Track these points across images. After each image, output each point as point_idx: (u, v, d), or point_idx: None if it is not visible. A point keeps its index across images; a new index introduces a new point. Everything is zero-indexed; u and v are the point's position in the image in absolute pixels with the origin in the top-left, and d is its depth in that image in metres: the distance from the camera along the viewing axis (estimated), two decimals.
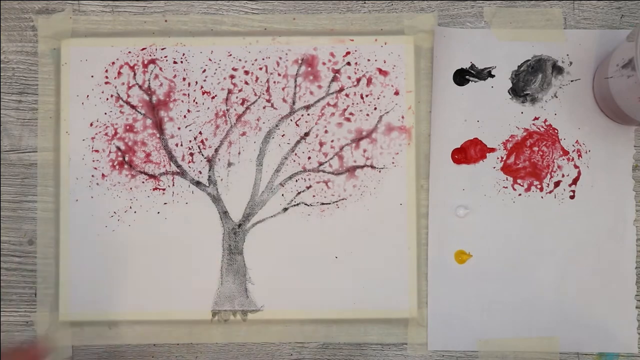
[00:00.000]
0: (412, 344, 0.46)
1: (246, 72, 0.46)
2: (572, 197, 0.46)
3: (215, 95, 0.46)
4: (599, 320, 0.45)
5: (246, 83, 0.46)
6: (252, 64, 0.47)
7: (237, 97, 0.46)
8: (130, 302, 0.45)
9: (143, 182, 0.46)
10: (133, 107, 0.46)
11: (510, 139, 0.46)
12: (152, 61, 0.46)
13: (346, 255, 0.46)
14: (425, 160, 0.46)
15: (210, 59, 0.47)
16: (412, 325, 0.46)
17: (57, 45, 0.47)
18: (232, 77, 0.47)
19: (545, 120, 0.46)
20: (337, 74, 0.46)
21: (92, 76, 0.46)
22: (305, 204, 0.46)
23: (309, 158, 0.46)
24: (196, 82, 0.46)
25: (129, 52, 0.46)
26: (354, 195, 0.46)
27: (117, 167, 0.46)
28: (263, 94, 0.46)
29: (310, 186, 0.46)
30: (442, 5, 0.47)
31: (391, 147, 0.46)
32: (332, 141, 0.46)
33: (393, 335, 0.46)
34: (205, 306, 0.46)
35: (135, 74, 0.46)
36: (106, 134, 0.46)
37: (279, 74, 0.46)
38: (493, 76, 0.47)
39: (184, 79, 0.46)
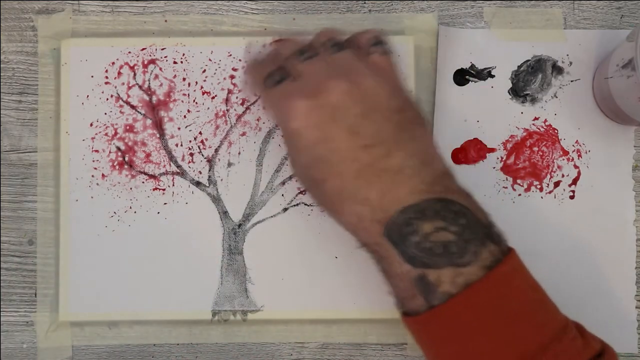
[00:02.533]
0: (412, 344, 0.46)
1: None
2: (572, 197, 0.46)
3: (215, 96, 0.46)
4: (599, 320, 0.45)
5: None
6: None
7: (237, 97, 0.46)
8: (130, 302, 0.45)
9: (143, 182, 0.46)
10: (133, 107, 0.46)
11: (510, 139, 0.46)
12: (152, 61, 0.46)
13: (346, 255, 0.46)
14: None
15: (210, 59, 0.47)
16: None
17: (57, 45, 0.47)
18: (232, 77, 0.47)
19: (545, 121, 0.46)
20: None
21: (92, 76, 0.46)
22: (305, 204, 0.46)
23: None
24: (196, 82, 0.46)
25: (129, 52, 0.46)
26: None
27: (117, 167, 0.46)
28: None
29: None
30: (442, 5, 0.47)
31: None
32: None
33: (393, 335, 0.46)
34: (205, 306, 0.46)
35: (135, 74, 0.46)
36: (106, 134, 0.46)
37: None
38: (493, 76, 0.47)
39: (184, 79, 0.46)
